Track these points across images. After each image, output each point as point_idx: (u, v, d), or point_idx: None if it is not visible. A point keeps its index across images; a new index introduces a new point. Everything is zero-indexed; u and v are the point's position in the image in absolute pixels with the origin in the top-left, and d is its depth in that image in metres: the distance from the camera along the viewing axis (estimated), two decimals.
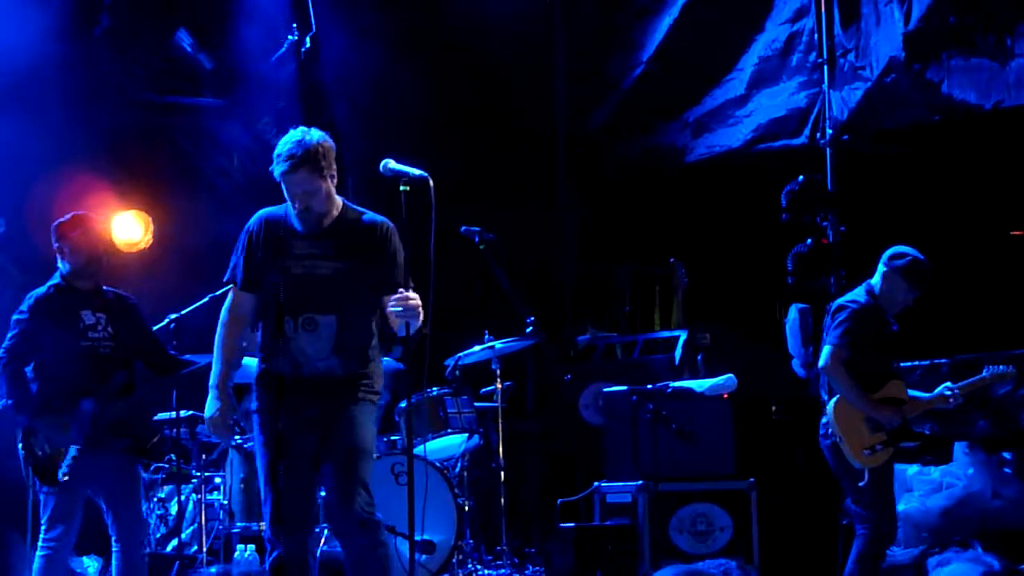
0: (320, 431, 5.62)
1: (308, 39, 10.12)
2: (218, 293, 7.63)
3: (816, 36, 9.70)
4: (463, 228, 8.03)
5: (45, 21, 8.91)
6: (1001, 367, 7.25)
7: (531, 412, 10.39)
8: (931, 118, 9.22)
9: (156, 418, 7.84)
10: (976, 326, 9.27)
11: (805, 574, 8.47)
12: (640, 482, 8.10)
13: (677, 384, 8.27)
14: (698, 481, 8.16)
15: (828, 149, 9.55)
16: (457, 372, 8.31)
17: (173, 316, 7.93)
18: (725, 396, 8.23)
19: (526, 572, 8.30)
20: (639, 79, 10.60)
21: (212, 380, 5.73)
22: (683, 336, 9.60)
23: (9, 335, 6.70)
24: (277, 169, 5.60)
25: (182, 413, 7.53)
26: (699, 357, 9.41)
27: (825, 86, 9.62)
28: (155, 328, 7.51)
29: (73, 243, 6.79)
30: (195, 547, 8.07)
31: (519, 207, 10.33)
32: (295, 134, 5.66)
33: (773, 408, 8.98)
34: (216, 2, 9.95)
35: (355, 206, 5.80)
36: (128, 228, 9.36)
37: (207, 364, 5.85)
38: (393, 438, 8.04)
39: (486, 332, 8.30)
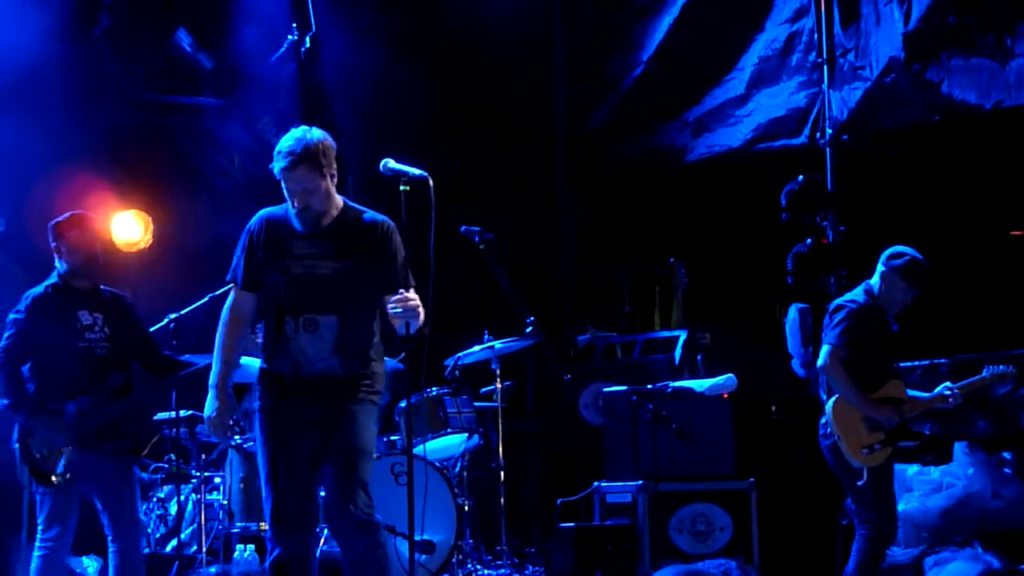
0: (320, 431, 5.61)
1: (308, 39, 10.12)
2: (218, 293, 7.63)
3: (816, 36, 9.70)
4: (463, 228, 8.03)
5: (45, 21, 8.91)
6: (1001, 367, 7.25)
7: (531, 412, 10.38)
8: (931, 118, 9.22)
9: (156, 418, 7.85)
10: (976, 326, 9.27)
11: (805, 574, 8.47)
12: (640, 482, 8.09)
13: (677, 384, 8.27)
14: (698, 481, 8.16)
15: (828, 149, 9.55)
16: (457, 372, 8.31)
17: (173, 316, 7.92)
18: (725, 396, 8.23)
19: (526, 572, 8.30)
20: (639, 79, 10.60)
21: (212, 380, 5.73)
22: (683, 336, 9.60)
23: (6, 335, 6.70)
24: (277, 165, 5.60)
25: (182, 413, 7.53)
26: (699, 357, 9.41)
27: (825, 86, 9.62)
28: (155, 328, 7.51)
29: (71, 242, 6.77)
30: (195, 547, 8.06)
31: (519, 207, 10.32)
32: (296, 132, 5.66)
33: (773, 408, 8.98)
34: (216, 2, 9.95)
35: (356, 205, 5.79)
36: (128, 228, 9.36)
37: (204, 366, 5.84)
38: (393, 438, 8.03)
39: (486, 332, 8.29)
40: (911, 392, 7.08)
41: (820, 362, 6.98)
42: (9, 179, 8.82)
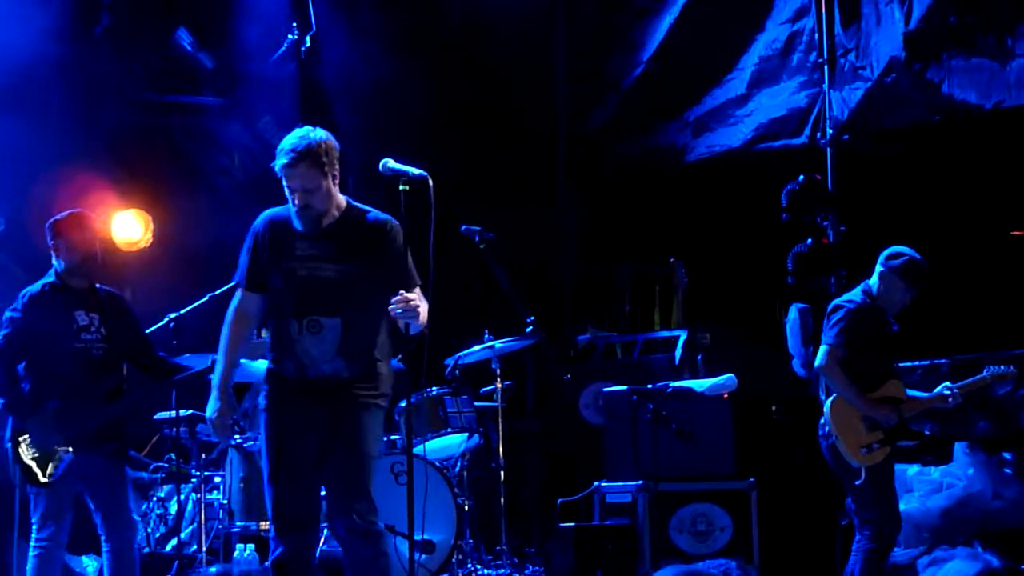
0: (326, 433, 5.60)
1: (308, 38, 10.12)
2: (218, 292, 7.64)
3: (816, 36, 9.70)
4: (463, 228, 8.03)
5: (45, 21, 8.91)
6: (1001, 367, 7.25)
7: (531, 412, 10.38)
8: (931, 118, 9.22)
9: (156, 417, 7.84)
10: (976, 326, 9.27)
11: (805, 574, 8.47)
12: (640, 482, 8.09)
13: (677, 384, 8.27)
14: (698, 481, 8.15)
15: (828, 149, 9.55)
16: (457, 371, 8.31)
17: (173, 316, 7.92)
18: (725, 396, 8.23)
19: (526, 572, 8.30)
20: (639, 79, 10.60)
21: (215, 380, 5.73)
22: (683, 336, 9.60)
23: (2, 333, 6.67)
24: (279, 162, 5.59)
25: (182, 412, 7.52)
26: (699, 357, 9.41)
27: (825, 86, 9.62)
28: (155, 327, 7.50)
29: (68, 241, 6.75)
30: (195, 546, 8.07)
31: (519, 207, 10.32)
32: (300, 131, 5.66)
33: (773, 408, 8.97)
34: (216, 1, 9.95)
35: (360, 205, 5.76)
36: (128, 227, 9.37)
37: (200, 370, 5.83)
38: (393, 438, 8.03)
39: (486, 332, 8.29)
40: (911, 392, 7.08)
41: (817, 362, 6.97)
42: (9, 179, 8.83)
